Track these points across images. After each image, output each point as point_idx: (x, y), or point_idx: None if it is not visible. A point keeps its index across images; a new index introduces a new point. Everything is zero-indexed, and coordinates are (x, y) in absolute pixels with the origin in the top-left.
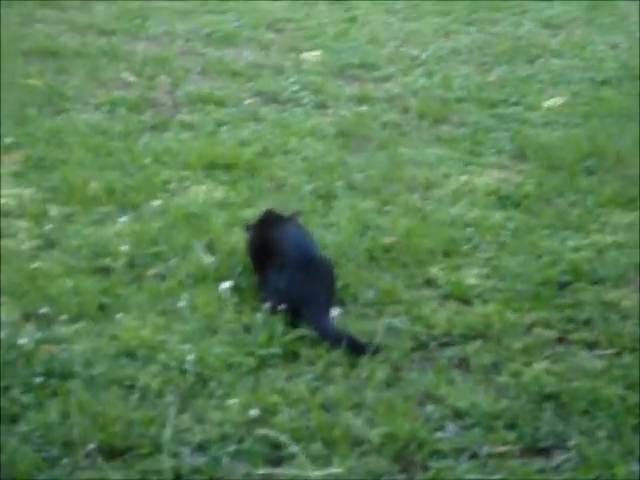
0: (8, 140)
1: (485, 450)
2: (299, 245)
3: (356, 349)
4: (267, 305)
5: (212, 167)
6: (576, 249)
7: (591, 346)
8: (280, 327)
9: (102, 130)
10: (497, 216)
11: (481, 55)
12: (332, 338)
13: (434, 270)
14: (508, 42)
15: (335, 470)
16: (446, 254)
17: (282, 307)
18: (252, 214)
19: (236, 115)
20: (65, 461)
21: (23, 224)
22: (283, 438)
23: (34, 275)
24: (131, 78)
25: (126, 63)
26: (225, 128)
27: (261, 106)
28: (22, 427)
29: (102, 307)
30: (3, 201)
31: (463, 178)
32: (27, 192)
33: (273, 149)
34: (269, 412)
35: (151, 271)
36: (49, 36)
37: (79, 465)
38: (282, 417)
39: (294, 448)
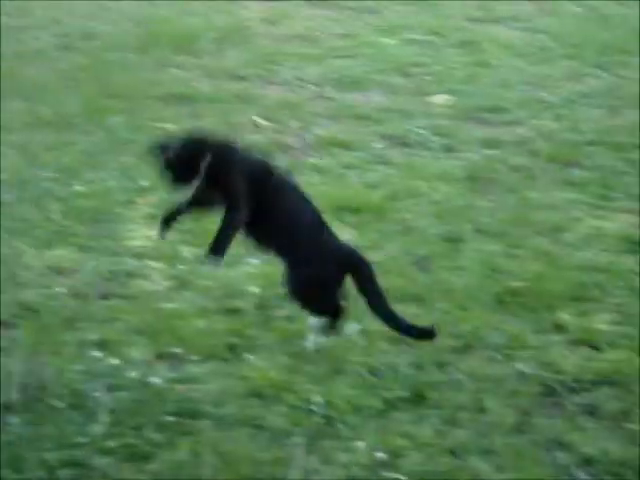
0: (143, 183)
1: None
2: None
3: (426, 335)
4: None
5: (340, 210)
6: None
7: None
8: (406, 370)
9: None
10: (628, 261)
11: (611, 98)
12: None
13: (563, 315)
14: (638, 85)
15: None
16: (575, 299)
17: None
18: (380, 257)
19: (364, 158)
20: None
21: (157, 265)
22: None
23: (167, 315)
24: (263, 122)
25: (257, 107)
26: (353, 171)
27: (389, 149)
28: (153, 465)
29: (232, 347)
30: (137, 243)
31: (593, 222)
32: None
33: (401, 192)
34: (396, 455)
35: (280, 312)
36: (184, 81)
37: None
38: (409, 461)
39: None
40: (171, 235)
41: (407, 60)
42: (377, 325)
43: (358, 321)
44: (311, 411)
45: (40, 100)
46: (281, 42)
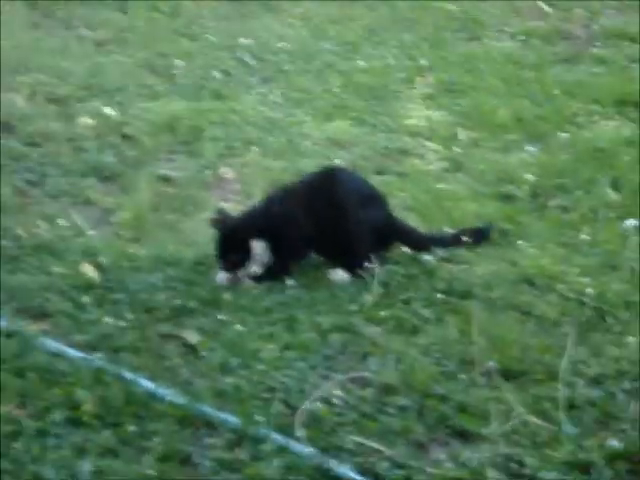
0: (423, 62)
1: None
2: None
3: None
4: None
5: (622, 104)
6: None
7: None
8: None
9: (514, 59)
10: None
11: None
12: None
13: None
14: None
15: None
16: None
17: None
18: None
19: None
20: (462, 376)
21: (432, 146)
22: None
23: (439, 196)
24: (547, 9)
25: None
26: (638, 65)
27: None
28: (421, 340)
29: (503, 233)
30: (414, 122)
31: None
32: (437, 114)
33: None
34: None
35: (554, 202)
36: None
37: (475, 382)
38: None
39: None
40: (447, 116)
41: None
42: None
43: (635, 217)
44: (582, 302)
45: None
46: None
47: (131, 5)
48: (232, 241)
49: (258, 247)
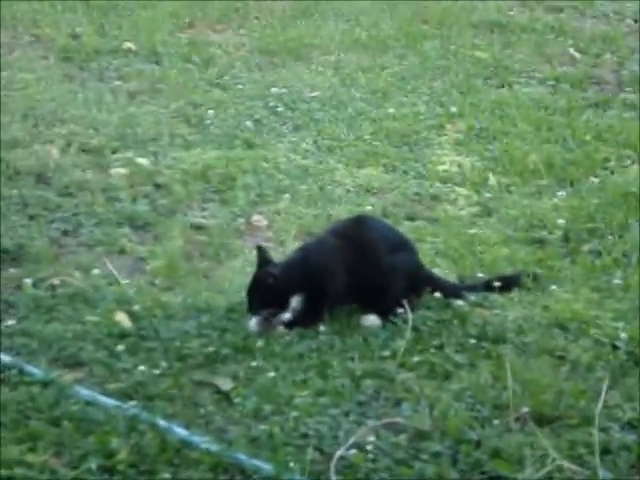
0: (453, 109)
1: None
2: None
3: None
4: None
5: None
6: None
7: None
8: None
9: (544, 104)
10: None
11: None
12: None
13: None
14: None
15: None
16: None
17: None
18: None
19: None
20: (496, 422)
21: (463, 191)
22: None
23: (471, 241)
24: (577, 55)
25: (572, 40)
26: None
27: None
28: (454, 385)
29: (535, 277)
30: (445, 168)
31: None
32: (468, 160)
33: None
34: None
35: (586, 246)
36: (498, 9)
37: (509, 427)
38: None
39: None
40: (478, 162)
41: None
42: None
43: None
44: (615, 347)
45: (357, 23)
46: None
47: (164, 56)
48: (271, 295)
49: (296, 301)
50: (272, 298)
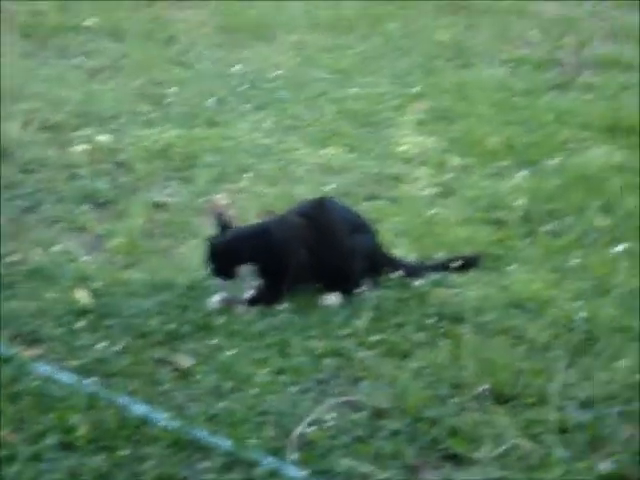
0: (415, 89)
1: None
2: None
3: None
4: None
5: (612, 130)
6: None
7: None
8: None
9: (506, 86)
10: None
11: None
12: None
13: None
14: None
15: None
16: None
17: None
18: None
19: None
20: (453, 400)
21: (424, 172)
22: None
23: (431, 221)
24: (537, 37)
25: (533, 22)
26: (628, 92)
27: None
28: (413, 364)
29: (494, 258)
30: (406, 148)
31: None
32: (429, 141)
33: None
34: None
35: (545, 227)
36: None
37: (467, 406)
38: None
39: None
40: (439, 142)
41: None
42: None
43: (624, 241)
44: (573, 327)
45: (320, 2)
46: None
47: (126, 34)
48: (220, 262)
49: (245, 270)
50: (220, 265)
